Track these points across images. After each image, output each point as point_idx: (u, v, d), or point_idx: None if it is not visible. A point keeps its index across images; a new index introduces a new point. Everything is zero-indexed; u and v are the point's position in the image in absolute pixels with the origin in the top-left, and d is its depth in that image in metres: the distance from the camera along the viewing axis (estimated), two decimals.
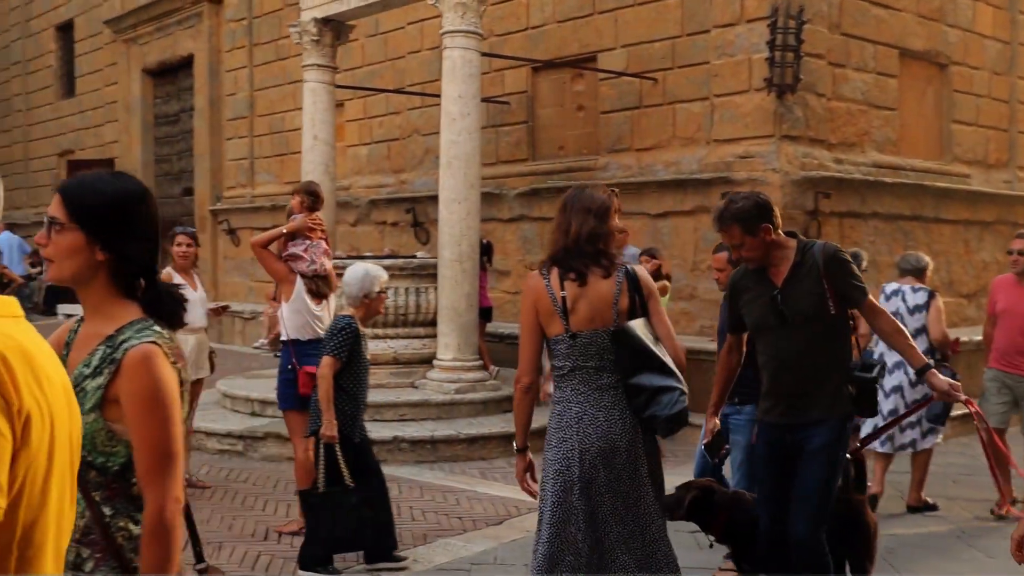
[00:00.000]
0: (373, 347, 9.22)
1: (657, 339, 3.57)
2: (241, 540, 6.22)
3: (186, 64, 19.06)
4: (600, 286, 3.55)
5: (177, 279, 7.30)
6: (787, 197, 9.84)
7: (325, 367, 5.45)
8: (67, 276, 2.19)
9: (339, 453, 5.44)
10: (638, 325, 3.55)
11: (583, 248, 3.59)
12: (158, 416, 2.11)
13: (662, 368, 3.47)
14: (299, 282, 6.33)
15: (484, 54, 12.00)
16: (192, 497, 7.11)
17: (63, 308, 20.64)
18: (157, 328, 2.21)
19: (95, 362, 2.16)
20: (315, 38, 10.83)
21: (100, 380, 2.13)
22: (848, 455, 4.44)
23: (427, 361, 9.44)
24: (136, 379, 2.11)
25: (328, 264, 6.47)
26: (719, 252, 5.71)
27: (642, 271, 3.74)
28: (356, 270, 5.68)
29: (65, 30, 23.76)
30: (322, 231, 6.48)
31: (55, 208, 2.16)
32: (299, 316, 6.34)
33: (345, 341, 5.46)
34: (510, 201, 12.46)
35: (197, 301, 7.38)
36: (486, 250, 10.67)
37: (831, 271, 4.03)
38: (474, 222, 9.40)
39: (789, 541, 4.03)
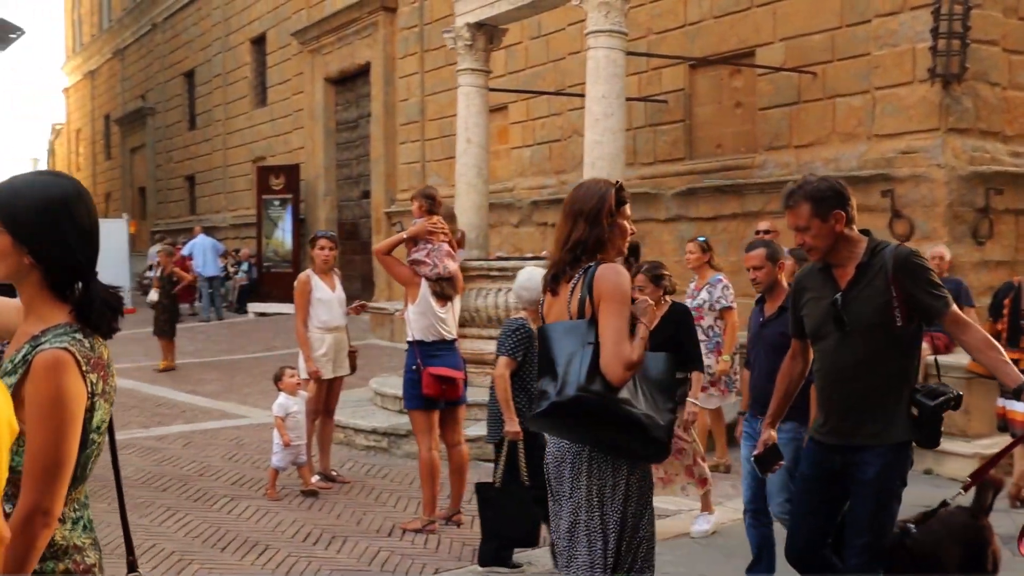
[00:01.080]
0: None
1: (589, 343, 3.22)
2: (366, 535, 6.38)
3: (364, 72, 19.77)
4: (566, 291, 3.39)
5: (316, 281, 7.58)
6: (953, 194, 9.26)
7: (501, 367, 5.52)
8: (0, 275, 2.21)
9: (521, 450, 5.49)
10: (559, 327, 3.32)
11: (563, 258, 3.42)
12: (51, 424, 2.07)
13: (555, 373, 3.21)
14: (424, 285, 6.44)
15: (640, 54, 11.90)
16: (331, 492, 7.40)
17: (254, 307, 21.84)
18: (79, 336, 2.18)
19: (16, 360, 2.15)
20: (468, 43, 10.99)
21: (12, 379, 2.13)
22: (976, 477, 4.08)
23: None
24: (38, 383, 2.09)
25: (452, 266, 6.55)
26: (754, 249, 5.23)
27: (602, 271, 3.28)
28: (534, 274, 5.61)
29: (259, 43, 25.07)
30: (444, 234, 6.56)
31: None
32: (424, 318, 6.45)
33: (520, 342, 5.51)
34: (667, 201, 12.26)
35: (335, 301, 7.65)
36: (633, 251, 10.52)
37: (901, 277, 3.62)
38: None
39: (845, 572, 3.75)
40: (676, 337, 5.78)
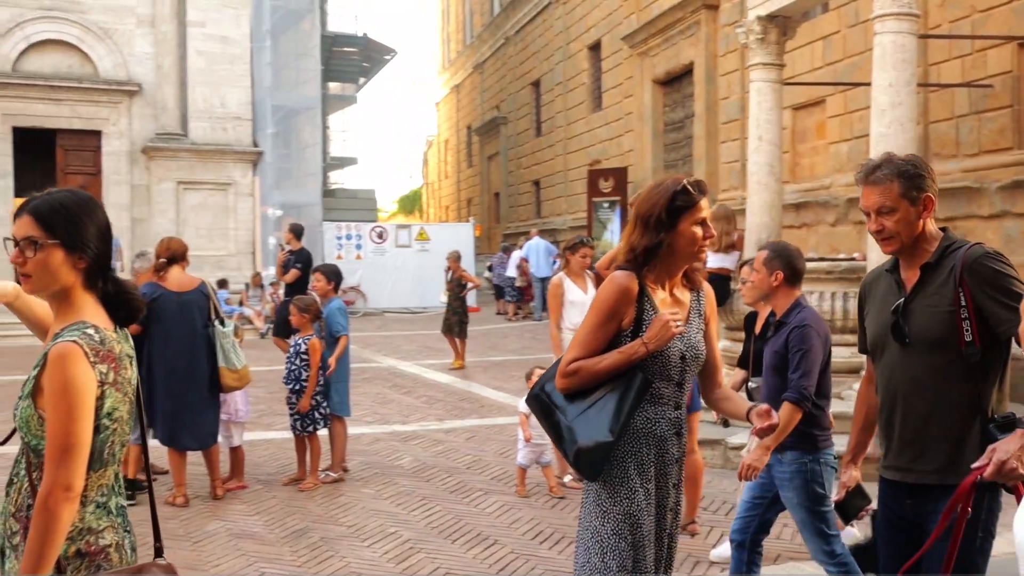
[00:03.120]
0: None
1: None
2: None
3: (688, 72, 19.65)
4: None
5: (568, 283, 7.70)
6: None
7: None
8: (47, 287, 2.45)
9: None
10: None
11: (620, 263, 3.24)
12: (62, 409, 2.30)
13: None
14: None
15: (959, 36, 10.90)
16: (580, 492, 7.47)
17: None
18: (89, 331, 2.39)
19: (41, 355, 2.41)
20: (759, 36, 10.59)
21: (35, 372, 2.39)
22: None
23: (854, 371, 8.80)
24: (51, 373, 2.32)
25: None
26: (761, 250, 4.70)
27: (607, 278, 3.27)
28: None
29: (595, 49, 25.70)
30: None
31: (29, 228, 2.41)
32: None
33: None
34: (991, 195, 11.10)
35: (588, 303, 7.71)
36: None
37: (969, 282, 2.98)
38: None
39: None
40: None
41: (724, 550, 5.86)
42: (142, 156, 22.63)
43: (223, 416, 7.59)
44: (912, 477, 3.16)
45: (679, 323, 3.12)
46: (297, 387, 7.59)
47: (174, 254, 7.26)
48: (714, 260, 9.91)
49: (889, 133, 8.54)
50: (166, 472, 7.59)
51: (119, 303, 2.52)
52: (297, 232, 13.08)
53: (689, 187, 3.17)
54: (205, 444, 7.31)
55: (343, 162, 41.97)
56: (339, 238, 25.03)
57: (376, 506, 7.15)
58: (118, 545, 2.49)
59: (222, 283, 20.53)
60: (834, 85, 13.41)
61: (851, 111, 14.18)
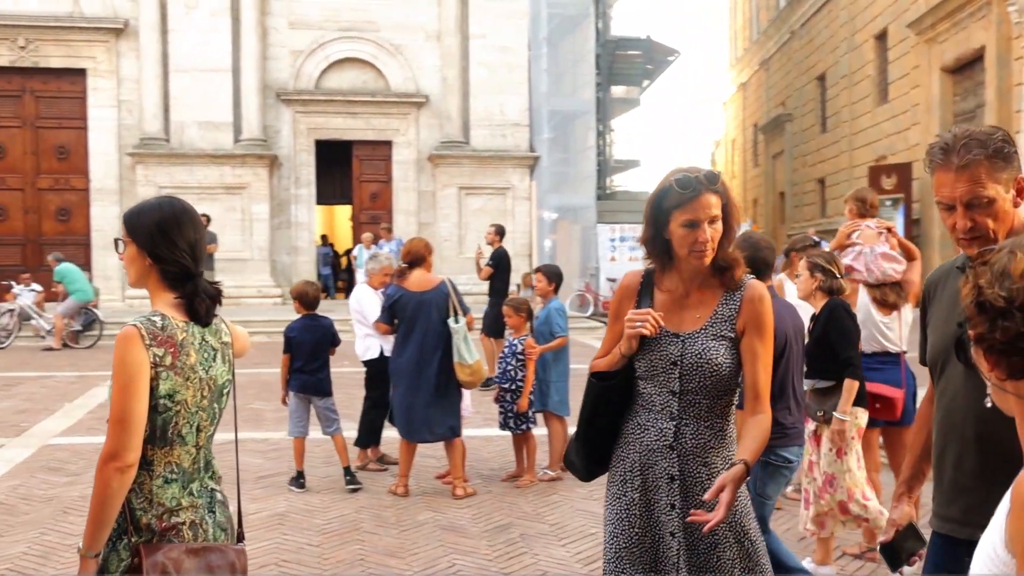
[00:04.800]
0: None
1: None
2: (796, 547, 6.10)
3: (979, 58, 18.20)
4: None
5: (788, 285, 7.42)
6: None
7: None
8: (133, 280, 2.76)
9: None
10: None
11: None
12: (118, 385, 2.51)
13: None
14: (862, 291, 5.98)
15: None
16: (788, 503, 7.15)
17: None
18: (155, 318, 2.61)
19: None
20: None
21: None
22: None
23: None
24: (114, 353, 2.55)
25: (895, 269, 5.96)
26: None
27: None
28: None
29: (881, 39, 24.33)
30: (888, 232, 6.02)
31: (121, 229, 2.78)
32: (863, 328, 5.97)
33: None
34: None
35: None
36: None
37: None
38: None
39: None
40: (826, 337, 4.80)
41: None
42: (428, 164, 23.92)
43: None
44: (966, 532, 2.45)
45: (639, 324, 2.85)
46: (513, 387, 7.75)
47: (414, 258, 7.58)
48: None
49: None
50: (396, 462, 8.00)
51: (192, 303, 2.72)
52: (500, 232, 13.54)
53: (676, 184, 2.82)
54: (441, 437, 7.51)
55: (626, 165, 42.26)
56: (612, 240, 25.26)
57: (584, 506, 7.18)
58: (193, 523, 2.67)
59: None
60: None
61: None
